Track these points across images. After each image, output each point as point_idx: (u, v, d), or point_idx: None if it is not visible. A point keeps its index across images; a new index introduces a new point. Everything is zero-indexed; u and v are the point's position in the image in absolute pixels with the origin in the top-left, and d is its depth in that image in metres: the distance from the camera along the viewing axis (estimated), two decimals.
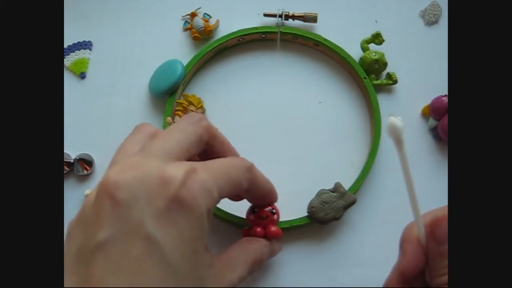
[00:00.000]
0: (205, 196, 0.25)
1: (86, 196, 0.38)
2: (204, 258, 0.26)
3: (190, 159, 0.27)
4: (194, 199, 0.24)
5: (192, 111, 0.40)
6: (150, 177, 0.24)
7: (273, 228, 0.34)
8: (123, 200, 0.23)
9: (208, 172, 0.26)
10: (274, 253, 0.35)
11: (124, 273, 0.22)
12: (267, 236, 0.33)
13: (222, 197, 0.27)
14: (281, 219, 0.35)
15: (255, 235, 0.33)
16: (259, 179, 0.31)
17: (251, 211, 0.34)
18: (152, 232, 0.23)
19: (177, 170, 0.24)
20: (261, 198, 0.33)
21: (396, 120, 0.22)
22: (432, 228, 0.25)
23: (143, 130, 0.29)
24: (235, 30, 0.41)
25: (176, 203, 0.24)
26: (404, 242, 0.26)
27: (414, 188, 0.25)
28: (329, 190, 0.37)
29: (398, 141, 0.23)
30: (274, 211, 0.34)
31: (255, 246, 0.32)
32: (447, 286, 0.24)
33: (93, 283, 0.22)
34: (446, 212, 0.25)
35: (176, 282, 0.23)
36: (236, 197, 0.34)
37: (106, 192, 0.24)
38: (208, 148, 0.30)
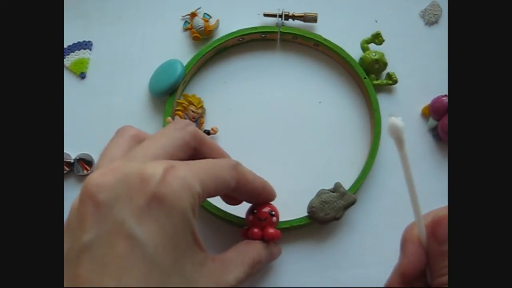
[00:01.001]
0: (186, 191, 0.25)
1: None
2: (193, 256, 0.26)
3: None
4: (174, 195, 0.24)
5: (192, 111, 0.40)
6: (130, 176, 0.24)
7: (271, 230, 0.33)
8: (104, 201, 0.24)
9: (188, 168, 0.26)
10: (274, 257, 0.35)
11: (109, 272, 0.23)
12: (264, 237, 0.33)
13: (209, 194, 0.27)
14: (281, 219, 0.35)
15: (252, 235, 0.33)
16: (248, 177, 0.30)
17: (251, 212, 0.34)
18: (134, 230, 0.23)
19: (156, 167, 0.25)
20: (256, 196, 0.32)
21: (397, 121, 0.22)
22: (433, 228, 0.25)
23: (125, 133, 0.29)
24: (235, 30, 0.41)
25: (156, 200, 0.24)
26: (405, 242, 0.26)
27: (415, 188, 0.25)
28: (329, 190, 0.37)
29: (399, 141, 0.23)
30: (273, 213, 0.34)
31: (252, 248, 0.32)
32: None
33: (79, 284, 0.23)
34: (446, 212, 0.25)
35: (161, 278, 0.23)
36: (232, 200, 0.34)
37: (88, 195, 0.24)
38: (196, 154, 0.30)
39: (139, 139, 0.29)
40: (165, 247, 0.24)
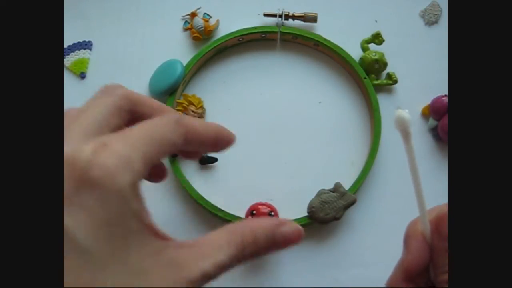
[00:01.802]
0: (121, 169, 0.22)
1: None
2: (143, 243, 0.23)
3: (115, 131, 0.25)
4: (105, 176, 0.22)
5: (192, 111, 0.40)
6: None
7: None
8: None
9: (123, 141, 0.23)
10: (287, 239, 0.26)
11: None
12: None
13: (153, 163, 0.24)
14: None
15: None
16: (197, 127, 0.26)
17: (250, 213, 0.34)
18: (63, 221, 0.21)
19: (84, 148, 0.22)
20: (212, 146, 0.28)
21: (404, 113, 0.22)
22: (437, 224, 0.25)
23: (115, 91, 0.27)
24: (235, 30, 0.41)
25: (86, 184, 0.22)
26: (408, 238, 0.26)
27: (421, 183, 0.24)
28: (329, 190, 0.37)
29: (406, 133, 0.23)
30: (272, 213, 0.34)
31: (244, 225, 0.25)
32: None
33: None
34: None
35: (96, 270, 0.22)
36: (188, 155, 0.30)
37: None
38: (135, 116, 0.27)
39: (131, 102, 0.26)
40: (97, 235, 0.21)
